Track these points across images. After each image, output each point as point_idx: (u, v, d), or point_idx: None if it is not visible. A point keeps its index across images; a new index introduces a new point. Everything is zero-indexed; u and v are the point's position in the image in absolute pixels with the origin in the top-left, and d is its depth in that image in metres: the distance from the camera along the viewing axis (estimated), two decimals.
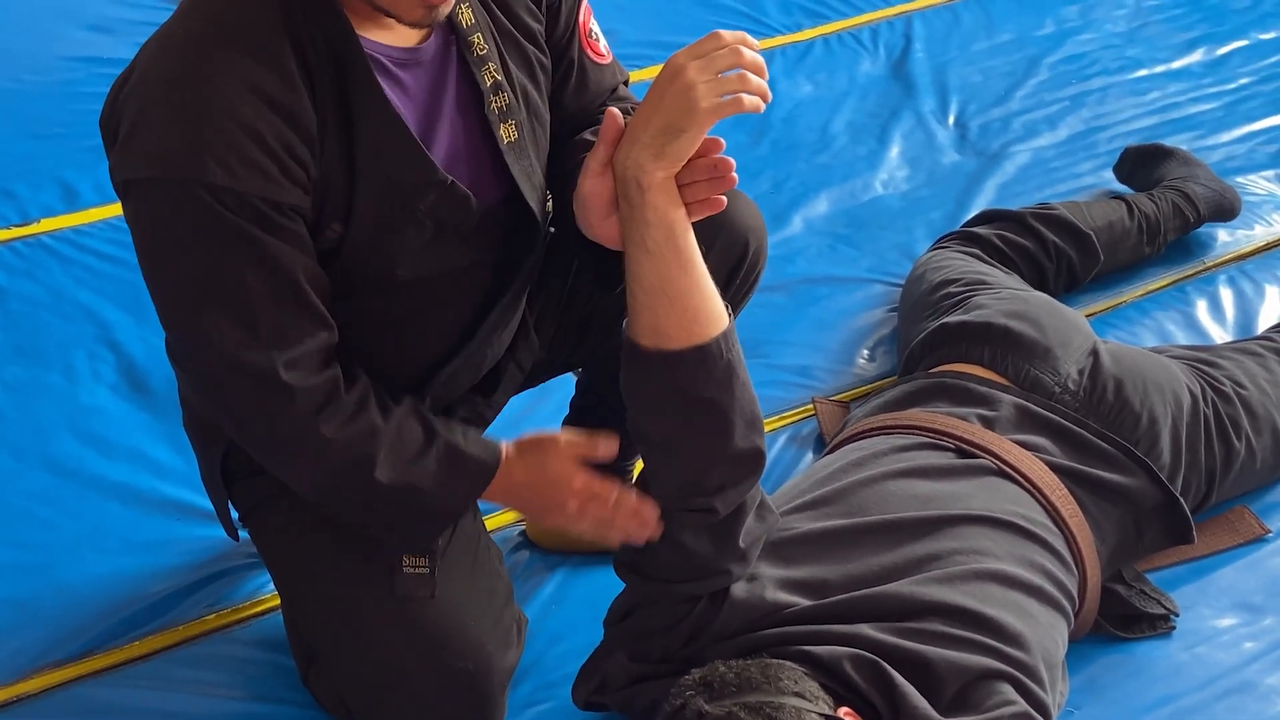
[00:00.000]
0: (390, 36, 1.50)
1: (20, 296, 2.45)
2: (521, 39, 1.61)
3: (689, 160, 1.49)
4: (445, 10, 1.44)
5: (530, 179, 1.61)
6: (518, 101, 1.59)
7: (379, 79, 1.48)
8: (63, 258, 2.54)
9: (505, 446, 1.61)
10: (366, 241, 1.52)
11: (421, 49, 1.53)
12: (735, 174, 1.52)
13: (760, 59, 1.47)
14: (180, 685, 1.84)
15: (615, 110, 1.53)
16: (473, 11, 1.55)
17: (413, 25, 1.46)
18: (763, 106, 1.49)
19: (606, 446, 1.63)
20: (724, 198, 1.53)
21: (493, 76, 1.56)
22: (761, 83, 1.47)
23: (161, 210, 1.43)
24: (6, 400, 2.25)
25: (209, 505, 1.90)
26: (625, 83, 1.79)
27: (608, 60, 1.73)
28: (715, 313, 1.56)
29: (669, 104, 1.46)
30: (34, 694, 1.83)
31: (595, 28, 1.70)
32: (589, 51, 1.70)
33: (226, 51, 1.41)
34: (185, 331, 1.49)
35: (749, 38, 1.47)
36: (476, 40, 1.55)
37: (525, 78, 1.61)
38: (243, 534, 1.84)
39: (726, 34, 1.47)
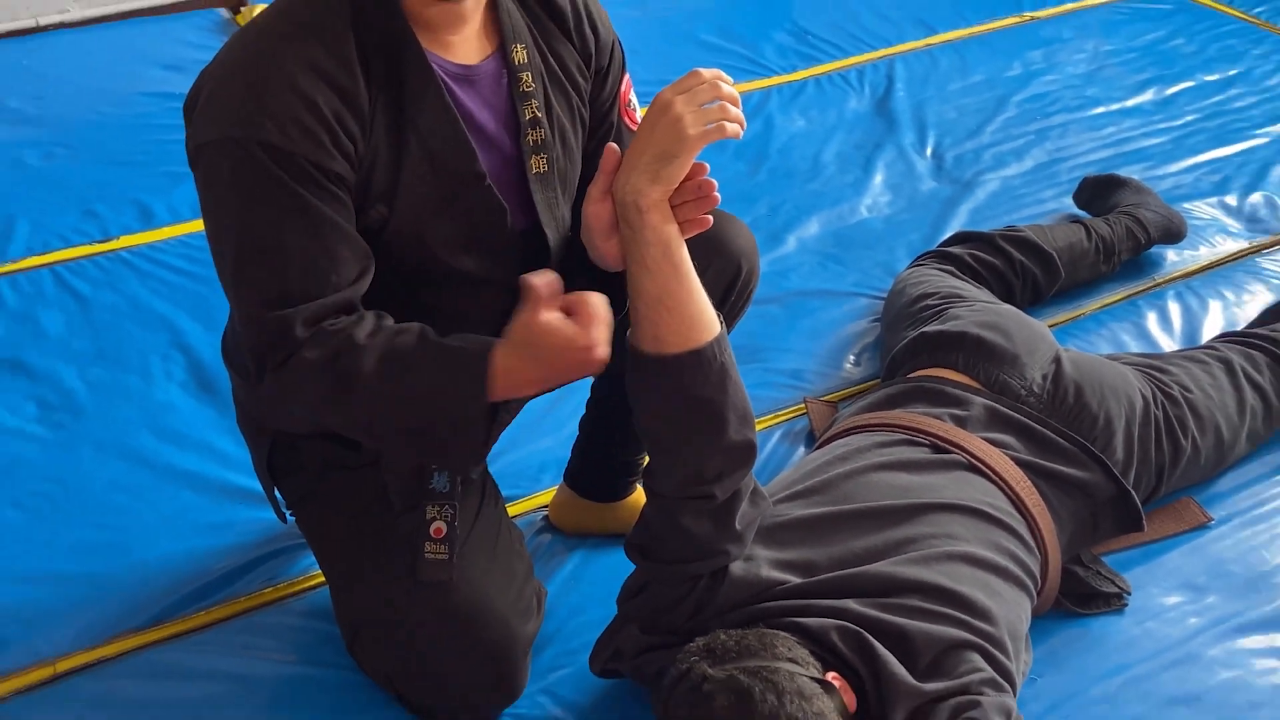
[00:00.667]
0: (449, 53, 1.51)
1: (102, 305, 2.46)
2: (569, 89, 1.62)
3: (680, 183, 1.50)
4: (467, 12, 1.47)
5: (552, 210, 1.61)
6: (554, 139, 1.60)
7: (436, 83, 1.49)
8: (139, 271, 2.55)
9: (496, 341, 1.50)
10: (408, 229, 1.52)
11: (476, 69, 1.54)
12: (719, 194, 1.51)
13: (735, 92, 1.49)
14: (240, 651, 1.85)
15: (613, 144, 1.54)
16: (527, 53, 1.56)
17: (439, 26, 1.48)
18: (741, 133, 1.49)
19: (554, 282, 1.49)
20: (710, 217, 1.53)
21: (533, 112, 1.57)
22: (739, 112, 1.49)
23: (223, 167, 1.44)
24: (89, 398, 2.26)
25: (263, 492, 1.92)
26: None
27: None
28: (709, 320, 1.56)
29: (661, 134, 1.48)
30: (110, 658, 1.84)
31: (634, 100, 1.71)
32: (626, 120, 1.70)
33: (294, 38, 1.43)
34: (233, 280, 1.49)
35: (724, 74, 1.48)
36: (525, 78, 1.56)
37: (566, 121, 1.62)
38: (291, 520, 1.85)
39: (705, 71, 1.49)
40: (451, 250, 1.56)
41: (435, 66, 1.50)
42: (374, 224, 1.50)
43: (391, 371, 1.47)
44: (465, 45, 1.53)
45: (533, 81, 1.56)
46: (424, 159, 1.50)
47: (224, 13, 3.40)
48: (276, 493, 1.80)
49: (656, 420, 1.59)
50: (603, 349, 1.48)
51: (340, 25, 1.45)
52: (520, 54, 1.55)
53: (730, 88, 1.49)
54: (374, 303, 1.55)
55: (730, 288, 1.77)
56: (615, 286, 1.61)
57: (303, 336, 1.45)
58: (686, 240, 1.54)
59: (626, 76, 1.70)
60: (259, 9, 3.36)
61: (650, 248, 1.51)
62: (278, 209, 1.43)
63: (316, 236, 1.45)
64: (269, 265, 1.45)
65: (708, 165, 1.52)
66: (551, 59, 1.60)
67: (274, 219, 1.43)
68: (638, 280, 1.53)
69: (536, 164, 1.58)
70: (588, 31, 1.63)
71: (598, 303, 1.48)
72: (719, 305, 1.66)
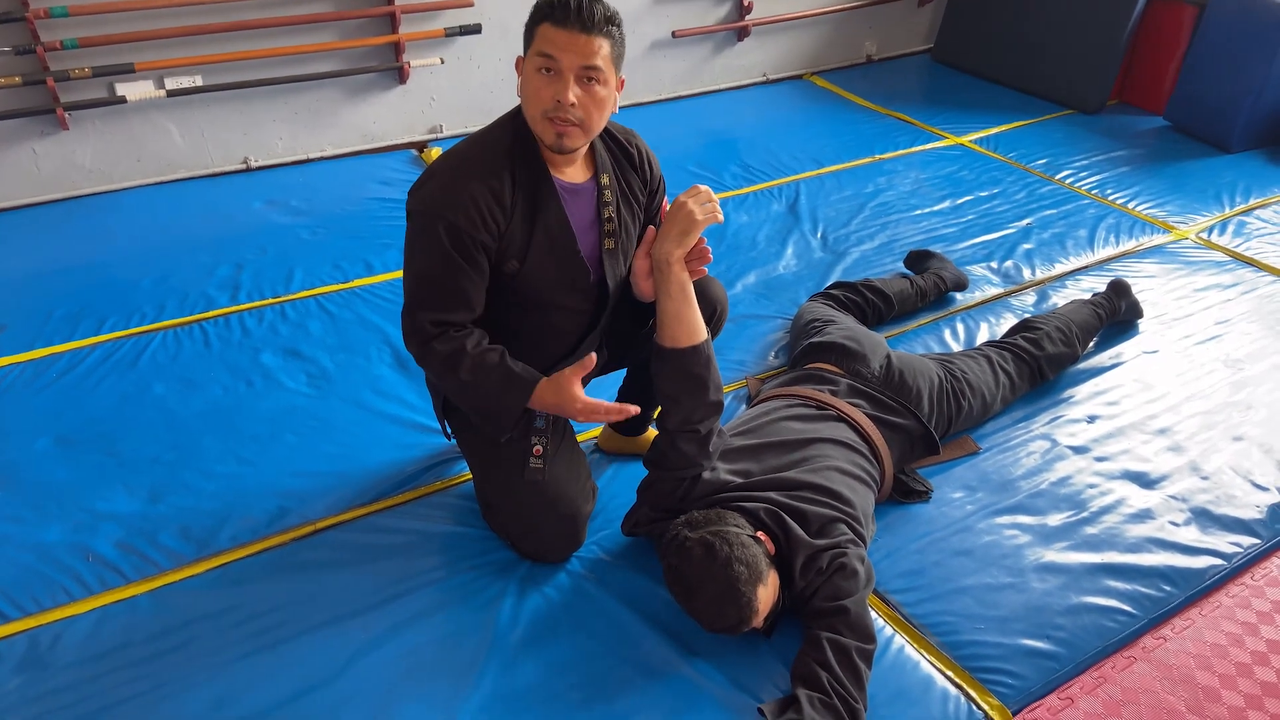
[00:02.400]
0: (566, 176, 1.54)
1: (343, 319, 2.46)
2: (632, 201, 1.64)
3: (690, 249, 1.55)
4: (571, 143, 1.46)
5: (614, 270, 1.62)
6: (619, 229, 1.61)
7: (556, 195, 1.52)
8: (364, 299, 2.54)
9: (542, 378, 1.55)
10: (531, 274, 1.54)
11: (580, 187, 1.56)
12: (711, 257, 1.58)
13: (717, 199, 1.55)
14: (422, 517, 1.85)
15: (651, 227, 1.59)
16: (609, 178, 1.59)
17: (549, 146, 1.48)
18: (722, 220, 1.56)
19: (589, 363, 1.53)
20: (706, 269, 1.58)
21: (609, 214, 1.59)
22: (720, 209, 1.55)
23: (420, 226, 1.48)
24: (336, 371, 2.26)
25: (439, 425, 1.91)
26: None
27: None
28: (702, 329, 1.59)
29: (680, 220, 1.53)
30: (347, 520, 1.85)
31: (667, 202, 1.72)
32: (662, 216, 1.70)
33: (473, 163, 1.47)
34: (407, 283, 1.52)
35: (710, 189, 1.54)
36: (607, 194, 1.58)
37: (629, 219, 1.63)
38: (453, 441, 1.85)
39: (702, 186, 1.54)
40: (555, 292, 1.58)
41: (558, 186, 1.51)
42: (511, 271, 1.52)
43: (477, 374, 1.51)
44: (575, 173, 1.56)
45: (611, 197, 1.58)
46: (545, 239, 1.52)
47: (414, 152, 3.40)
48: (446, 424, 1.80)
49: (669, 386, 1.61)
50: (581, 417, 1.53)
51: (501, 157, 1.48)
52: (605, 179, 1.57)
53: (715, 196, 1.55)
54: (509, 320, 1.57)
55: (711, 318, 1.78)
56: (648, 309, 1.63)
57: (431, 331, 1.49)
58: None
59: (665, 193, 1.72)
60: (435, 152, 3.40)
61: (672, 285, 1.54)
62: (441, 258, 1.46)
63: (459, 275, 1.47)
64: (427, 286, 1.49)
65: (705, 239, 1.56)
66: (624, 182, 1.61)
67: (438, 263, 1.46)
68: (663, 304, 1.55)
69: (608, 244, 1.60)
70: (647, 169, 1.65)
71: (594, 406, 1.53)
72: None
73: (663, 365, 1.59)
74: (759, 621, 1.49)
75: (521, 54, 1.47)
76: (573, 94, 1.41)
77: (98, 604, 1.66)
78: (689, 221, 1.52)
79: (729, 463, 1.70)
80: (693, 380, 1.58)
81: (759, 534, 1.53)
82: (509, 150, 1.48)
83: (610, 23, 1.42)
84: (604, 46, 1.41)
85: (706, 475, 1.66)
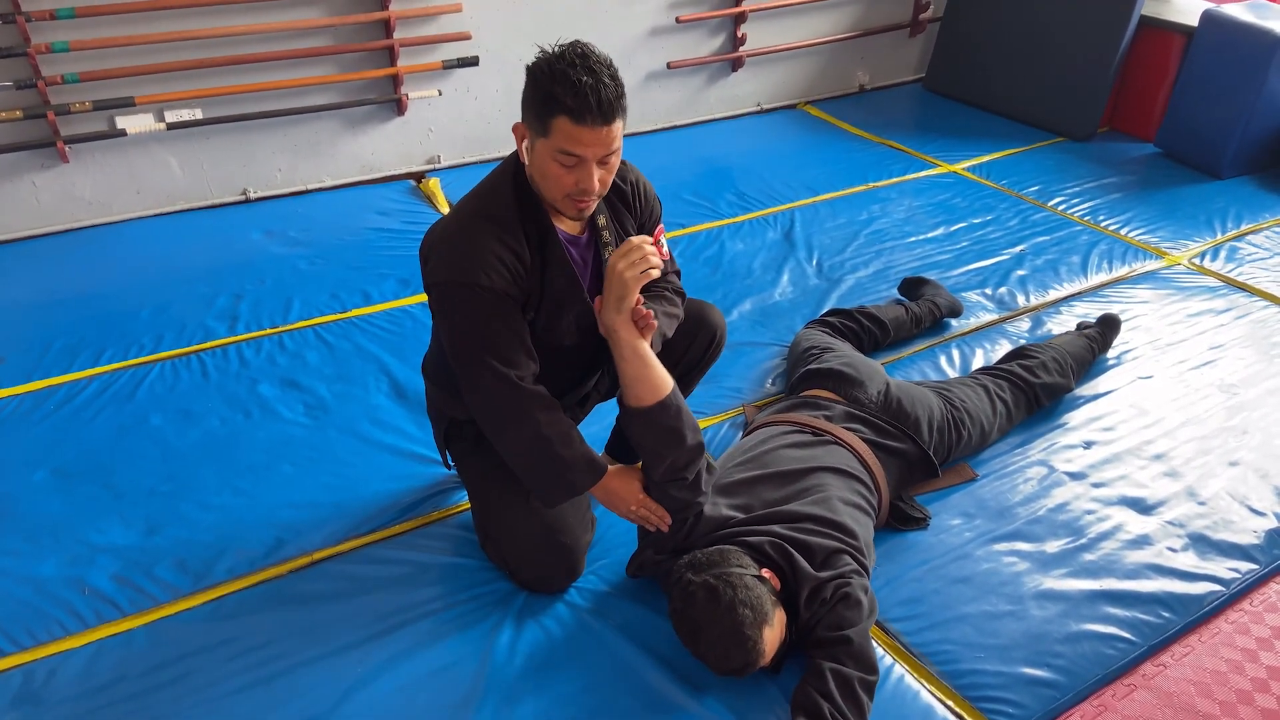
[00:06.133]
0: (567, 228, 1.55)
1: (339, 349, 2.47)
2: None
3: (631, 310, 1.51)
4: (589, 212, 1.49)
5: None
6: None
7: (561, 247, 1.53)
8: (361, 328, 2.55)
9: (611, 465, 1.61)
10: (544, 324, 1.55)
11: (581, 238, 1.58)
12: (654, 324, 1.53)
13: (653, 249, 1.50)
14: (420, 547, 1.85)
15: (598, 297, 1.55)
16: (607, 219, 1.60)
17: (570, 217, 1.50)
18: (658, 273, 1.50)
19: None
20: (655, 321, 1.53)
21: (608, 253, 1.60)
22: (657, 261, 1.50)
23: (456, 297, 1.47)
24: (333, 401, 2.27)
25: (437, 455, 1.91)
26: (676, 273, 1.77)
27: (667, 258, 1.71)
28: (666, 381, 1.56)
29: (614, 285, 1.50)
30: (345, 551, 1.85)
31: (664, 240, 1.69)
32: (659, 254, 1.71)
33: (488, 223, 1.48)
34: (466, 357, 1.49)
35: (646, 239, 1.49)
36: (605, 235, 1.59)
37: None
38: (453, 470, 1.85)
39: (634, 239, 1.50)
40: (562, 337, 1.58)
41: (562, 238, 1.53)
42: (528, 321, 1.53)
43: (565, 447, 1.52)
44: (575, 224, 1.56)
45: (610, 239, 1.59)
46: (554, 290, 1.53)
47: (412, 183, 3.43)
48: (446, 454, 1.81)
49: (643, 441, 1.59)
50: (634, 511, 1.61)
51: (512, 216, 1.49)
52: (603, 221, 1.59)
53: (651, 248, 1.50)
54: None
55: (709, 345, 1.79)
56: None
57: (527, 387, 1.48)
58: (685, 315, 1.55)
59: (660, 225, 1.71)
60: (433, 182, 3.41)
61: (624, 349, 1.53)
62: (488, 315, 1.46)
63: (512, 332, 1.48)
64: (490, 347, 1.47)
65: (643, 298, 1.54)
66: (618, 223, 1.62)
67: (486, 320, 1.46)
68: (620, 369, 1.55)
69: None
70: (640, 203, 1.65)
71: (649, 504, 1.62)
72: (702, 353, 1.68)
73: (632, 423, 1.57)
74: (766, 662, 1.49)
75: (520, 119, 1.45)
76: (597, 179, 1.43)
77: (93, 638, 1.65)
78: (622, 286, 1.48)
79: (729, 496, 1.70)
80: (667, 432, 1.56)
81: (764, 571, 1.52)
82: (517, 208, 1.49)
83: (621, 98, 1.39)
84: (620, 124, 1.41)
85: (707, 511, 1.65)
